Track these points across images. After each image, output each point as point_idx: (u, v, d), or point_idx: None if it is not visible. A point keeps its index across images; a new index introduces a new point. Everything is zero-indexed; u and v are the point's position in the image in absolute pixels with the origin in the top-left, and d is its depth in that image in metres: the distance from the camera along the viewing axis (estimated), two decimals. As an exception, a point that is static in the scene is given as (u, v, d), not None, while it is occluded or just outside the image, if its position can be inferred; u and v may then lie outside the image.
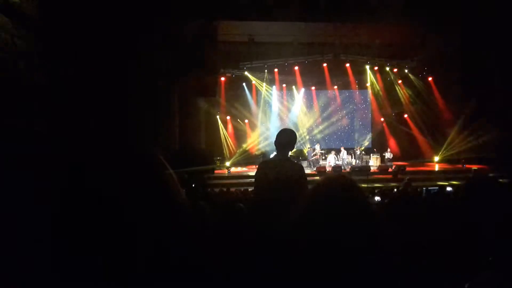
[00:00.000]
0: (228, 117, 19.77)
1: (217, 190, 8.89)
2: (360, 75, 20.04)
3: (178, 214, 0.68)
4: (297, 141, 3.23)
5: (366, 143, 21.19)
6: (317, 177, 10.67)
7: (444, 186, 8.14)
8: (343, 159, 17.35)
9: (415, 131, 20.06)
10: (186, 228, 0.69)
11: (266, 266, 1.21)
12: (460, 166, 15.93)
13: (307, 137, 20.57)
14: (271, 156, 3.28)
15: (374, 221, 1.02)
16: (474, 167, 14.64)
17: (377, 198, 6.28)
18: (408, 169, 15.32)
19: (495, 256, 1.10)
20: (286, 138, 3.08)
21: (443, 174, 14.39)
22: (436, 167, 17.11)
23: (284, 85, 20.21)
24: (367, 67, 19.57)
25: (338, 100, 21.09)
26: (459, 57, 15.85)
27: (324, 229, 0.99)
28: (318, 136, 20.55)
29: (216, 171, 15.96)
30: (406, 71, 19.56)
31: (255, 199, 3.15)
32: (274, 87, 20.17)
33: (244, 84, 19.53)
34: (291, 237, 1.07)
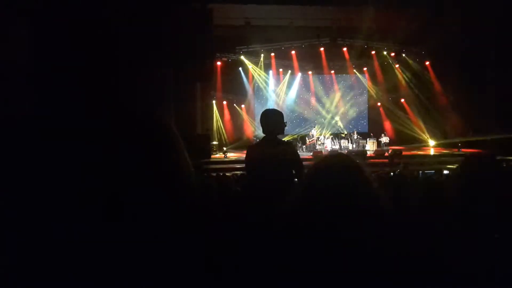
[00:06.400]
0: (224, 102, 19.68)
1: (214, 174, 8.88)
2: (357, 59, 19.91)
3: (190, 193, 0.64)
4: (284, 122, 3.11)
5: (363, 127, 21.20)
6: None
7: (441, 170, 8.18)
8: (339, 143, 17.38)
9: (412, 116, 20.08)
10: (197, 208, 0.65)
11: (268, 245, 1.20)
12: (456, 150, 16.00)
13: (303, 122, 20.53)
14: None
15: (375, 196, 1.01)
16: (470, 151, 14.70)
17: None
18: (404, 153, 15.36)
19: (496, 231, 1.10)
20: (270, 118, 3.02)
21: (439, 158, 14.47)
22: (432, 152, 17.19)
23: (280, 70, 20.08)
24: (365, 51, 19.43)
25: (335, 84, 21.01)
26: (458, 42, 15.81)
27: (325, 204, 0.98)
28: (314, 120, 20.51)
29: (212, 156, 15.95)
30: (403, 55, 19.47)
31: (248, 183, 3.14)
32: (270, 71, 20.04)
33: (240, 68, 19.38)
34: (292, 214, 1.06)
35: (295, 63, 19.38)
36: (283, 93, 20.70)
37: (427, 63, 19.20)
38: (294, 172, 2.86)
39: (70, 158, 0.50)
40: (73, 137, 0.52)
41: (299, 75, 20.33)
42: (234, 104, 19.82)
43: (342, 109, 21.15)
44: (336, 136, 18.30)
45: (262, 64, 19.34)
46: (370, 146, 17.46)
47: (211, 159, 15.33)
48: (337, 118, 20.99)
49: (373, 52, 19.50)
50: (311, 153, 15.67)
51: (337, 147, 17.04)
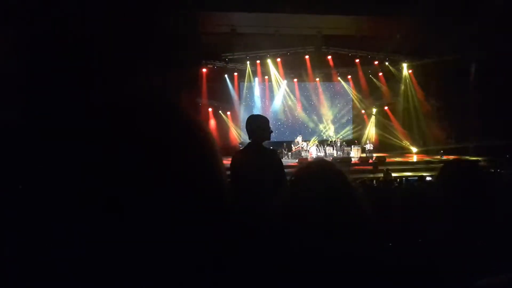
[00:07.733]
0: (210, 109, 19.65)
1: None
2: (341, 67, 20.15)
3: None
4: (270, 128, 3.08)
5: (347, 135, 21.40)
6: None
7: (423, 176, 8.31)
8: (324, 150, 17.51)
9: (395, 123, 20.39)
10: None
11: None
12: (438, 157, 16.26)
13: (289, 129, 20.62)
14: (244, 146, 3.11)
15: (357, 201, 1.04)
16: (452, 157, 14.97)
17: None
18: (388, 160, 15.56)
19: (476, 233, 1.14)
20: (255, 124, 3.02)
21: (422, 165, 14.68)
22: (415, 158, 17.44)
23: (266, 77, 20.18)
24: (349, 59, 19.68)
25: (320, 92, 21.19)
26: (440, 50, 16.16)
27: (307, 208, 1.00)
28: (300, 127, 20.62)
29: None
30: (386, 63, 19.79)
31: (233, 192, 3.09)
32: (256, 78, 20.11)
33: (226, 75, 19.42)
34: (276, 220, 1.08)
35: (281, 71, 19.51)
36: (269, 101, 20.78)
37: (410, 71, 19.56)
38: (276, 180, 2.86)
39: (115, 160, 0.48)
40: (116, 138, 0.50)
41: (284, 83, 20.45)
42: (220, 111, 19.81)
43: (327, 117, 21.33)
44: (321, 143, 18.43)
45: (248, 71, 19.40)
46: (355, 153, 17.61)
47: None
48: (321, 125, 21.16)
49: (357, 60, 19.77)
50: (297, 160, 15.74)
51: (322, 154, 17.16)
